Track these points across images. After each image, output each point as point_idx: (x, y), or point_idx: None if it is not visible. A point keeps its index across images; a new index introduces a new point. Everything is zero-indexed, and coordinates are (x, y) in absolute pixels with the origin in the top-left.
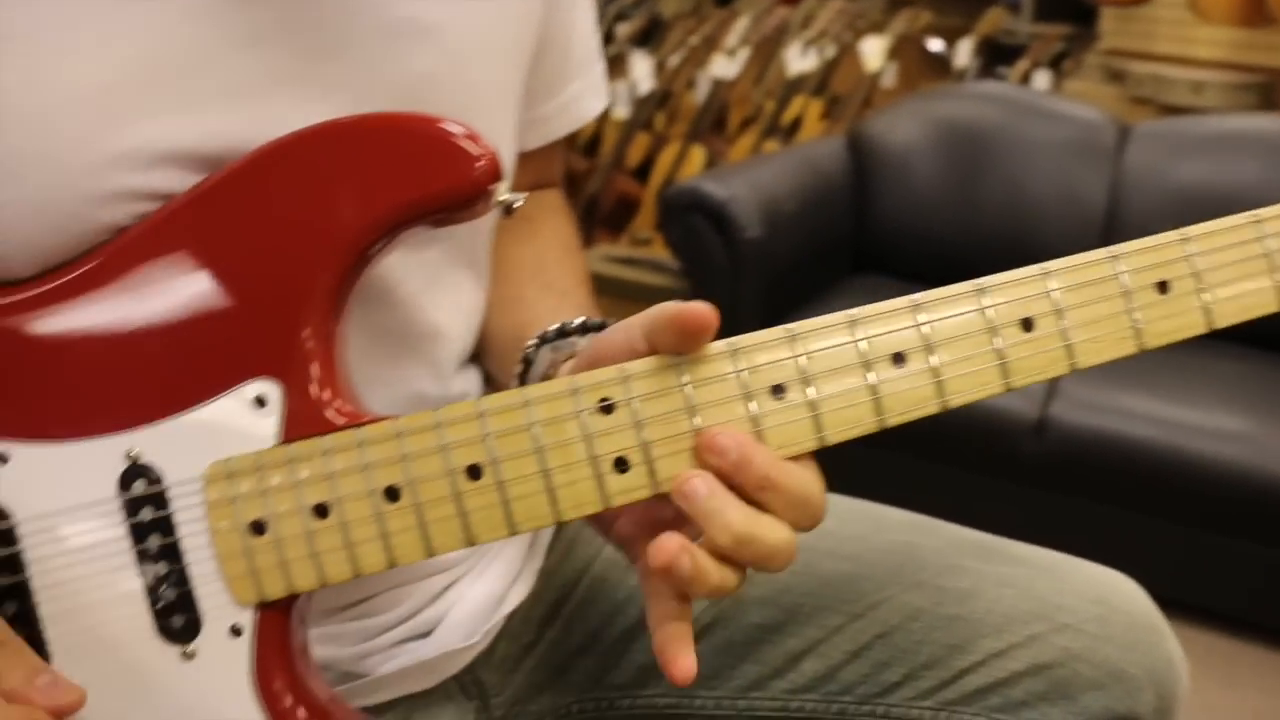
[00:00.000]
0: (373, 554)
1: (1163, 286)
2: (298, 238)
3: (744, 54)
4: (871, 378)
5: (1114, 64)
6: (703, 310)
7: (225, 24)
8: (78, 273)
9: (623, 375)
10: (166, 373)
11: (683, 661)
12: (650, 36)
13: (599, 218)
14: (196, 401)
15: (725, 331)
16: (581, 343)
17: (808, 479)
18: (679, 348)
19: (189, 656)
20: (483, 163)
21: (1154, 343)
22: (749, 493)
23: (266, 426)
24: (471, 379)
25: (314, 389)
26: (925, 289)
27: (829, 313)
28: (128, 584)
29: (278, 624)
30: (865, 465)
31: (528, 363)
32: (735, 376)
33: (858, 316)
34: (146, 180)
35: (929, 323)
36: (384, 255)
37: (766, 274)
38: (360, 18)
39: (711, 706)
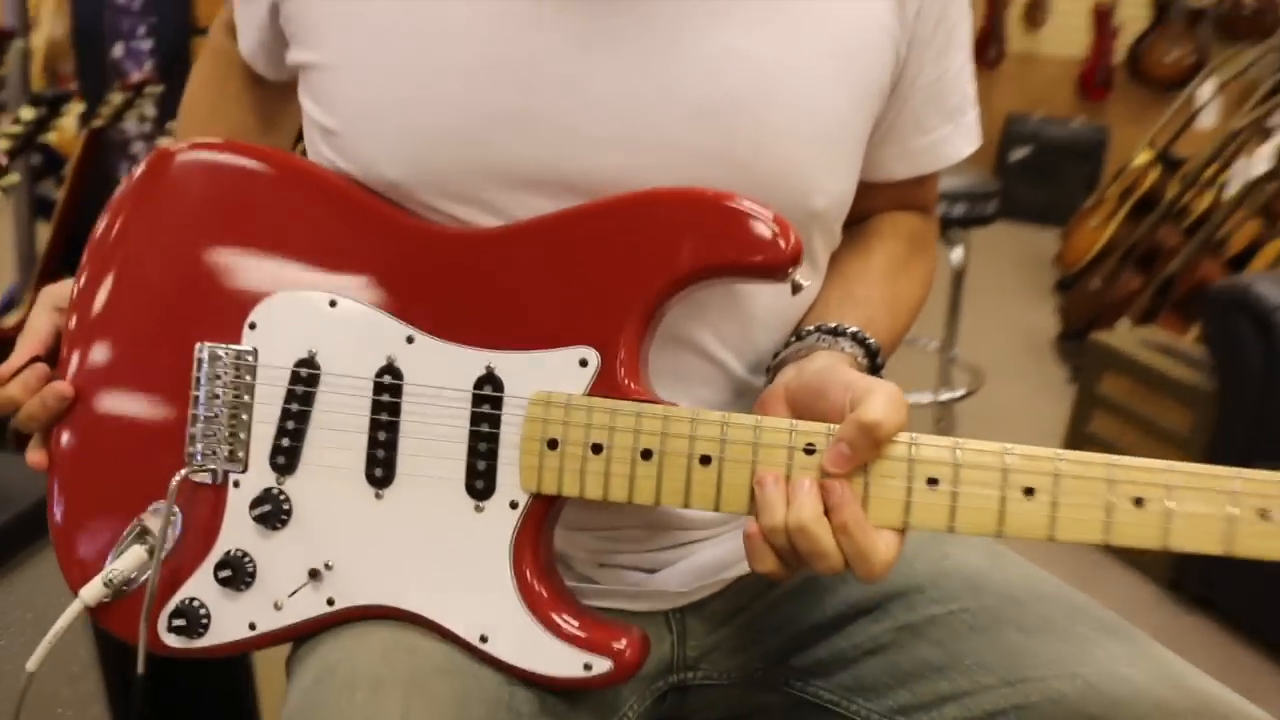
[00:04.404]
0: (620, 488)
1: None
2: (633, 266)
3: None
4: (1005, 508)
5: None
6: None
7: (559, 35)
8: (491, 233)
9: (828, 432)
10: (529, 321)
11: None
12: None
13: (1171, 299)
14: (543, 346)
15: (1246, 449)
16: (849, 348)
17: (877, 547)
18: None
19: (479, 510)
20: (786, 253)
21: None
22: (833, 527)
23: (581, 379)
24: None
25: (620, 367)
26: None
27: None
28: (458, 447)
29: (540, 512)
30: None
31: (799, 336)
32: (906, 464)
33: (1009, 449)
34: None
35: (1062, 475)
36: (688, 296)
37: None
38: (683, 39)
39: (864, 715)
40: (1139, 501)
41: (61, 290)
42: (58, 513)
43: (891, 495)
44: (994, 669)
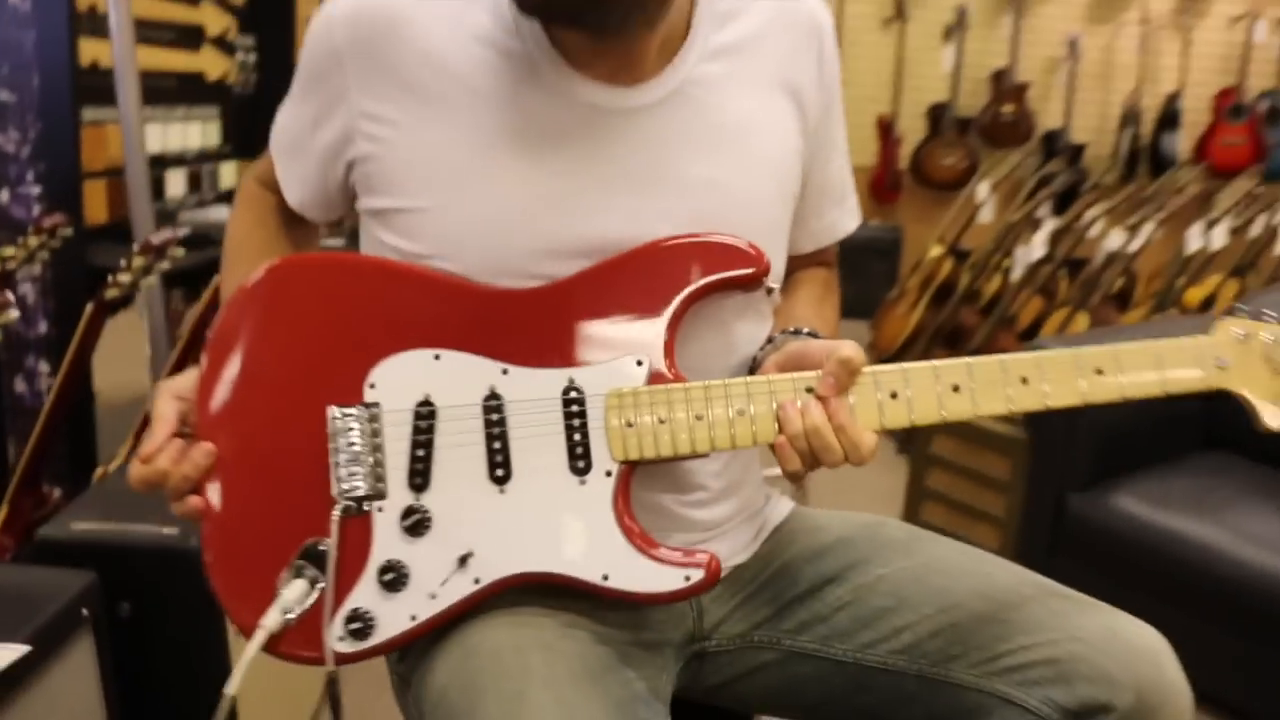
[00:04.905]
0: (685, 443)
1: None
2: (663, 290)
3: (1148, 229)
4: (943, 402)
5: None
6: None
7: (587, 177)
8: (550, 288)
9: (819, 375)
10: (594, 342)
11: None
12: (1068, 202)
13: None
14: (608, 358)
15: (1057, 486)
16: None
17: (864, 439)
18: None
19: (583, 484)
20: (762, 265)
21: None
22: (834, 427)
23: (640, 375)
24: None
25: (664, 362)
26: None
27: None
28: (557, 439)
29: (627, 474)
30: None
31: (770, 340)
32: (873, 386)
33: (938, 365)
34: (553, 265)
35: (974, 372)
36: (699, 304)
37: (1102, 435)
38: (671, 172)
39: (840, 654)
40: (1025, 380)
41: (181, 382)
42: (217, 561)
43: (868, 407)
44: (930, 603)
